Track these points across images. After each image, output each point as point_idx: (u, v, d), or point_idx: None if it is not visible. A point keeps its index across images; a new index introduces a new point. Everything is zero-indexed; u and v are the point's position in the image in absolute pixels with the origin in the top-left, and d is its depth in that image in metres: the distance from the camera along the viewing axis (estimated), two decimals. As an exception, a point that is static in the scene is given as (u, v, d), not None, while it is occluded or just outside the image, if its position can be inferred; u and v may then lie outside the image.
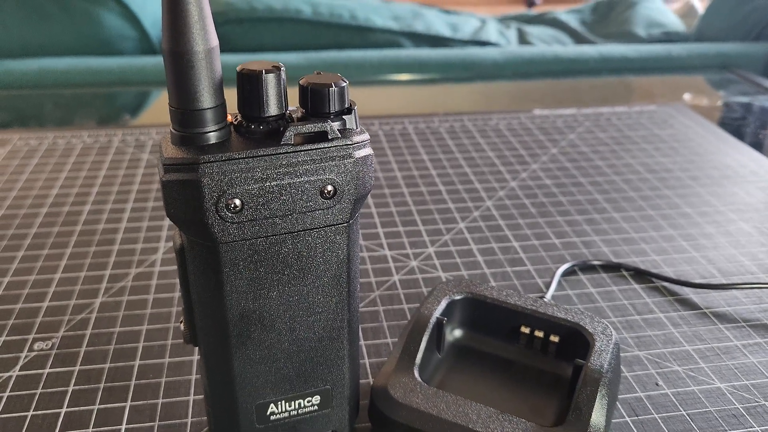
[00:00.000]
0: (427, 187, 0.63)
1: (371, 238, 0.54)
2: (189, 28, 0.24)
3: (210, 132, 0.26)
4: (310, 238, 0.28)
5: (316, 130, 0.27)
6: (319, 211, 0.28)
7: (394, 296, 0.48)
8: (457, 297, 0.41)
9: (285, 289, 0.29)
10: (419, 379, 0.36)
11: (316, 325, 0.30)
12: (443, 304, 0.40)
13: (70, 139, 0.72)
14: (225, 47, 1.04)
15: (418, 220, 0.57)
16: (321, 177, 0.27)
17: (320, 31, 1.05)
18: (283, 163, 0.26)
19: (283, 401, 0.32)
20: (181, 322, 0.31)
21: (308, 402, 0.32)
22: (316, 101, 0.27)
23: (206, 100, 0.26)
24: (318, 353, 0.31)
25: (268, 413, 0.32)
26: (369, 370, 0.41)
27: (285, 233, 0.28)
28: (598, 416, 0.34)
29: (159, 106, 0.89)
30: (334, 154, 0.27)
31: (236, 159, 0.26)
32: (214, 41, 0.25)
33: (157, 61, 0.94)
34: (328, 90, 0.27)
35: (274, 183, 0.26)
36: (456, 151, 0.70)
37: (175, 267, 0.50)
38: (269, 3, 1.04)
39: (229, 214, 0.26)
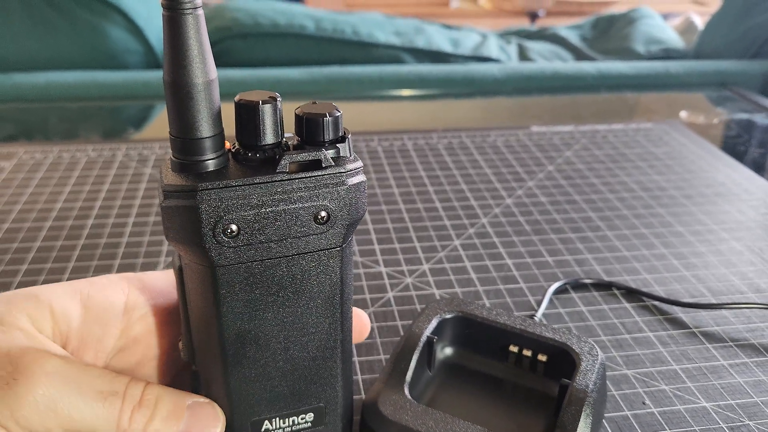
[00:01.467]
0: (423, 204, 0.64)
1: (367, 255, 0.55)
2: (189, 60, 0.25)
3: (208, 160, 0.27)
4: (304, 262, 0.29)
5: (310, 158, 0.28)
6: (313, 236, 0.29)
7: (388, 313, 0.49)
8: (448, 316, 0.42)
9: (280, 310, 0.30)
10: (409, 396, 0.37)
11: (310, 344, 0.31)
12: (434, 322, 0.41)
13: (74, 153, 0.73)
14: (230, 62, 1.06)
15: (413, 236, 0.58)
16: (315, 203, 0.28)
17: (323, 46, 1.06)
18: (278, 190, 0.27)
19: (278, 418, 0.33)
20: (179, 340, 0.32)
21: (302, 419, 0.33)
22: (311, 130, 0.28)
23: (205, 129, 0.27)
24: (312, 372, 0.32)
25: (263, 430, 0.33)
26: (362, 385, 0.42)
27: (280, 257, 0.29)
28: (582, 435, 0.35)
29: (162, 121, 0.90)
30: (328, 182, 0.28)
31: (233, 186, 0.27)
32: (213, 74, 0.26)
33: (161, 76, 0.96)
34: (323, 119, 0.28)
35: (270, 209, 0.27)
36: (453, 167, 0.71)
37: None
38: (274, 18, 1.06)
39: (226, 239, 0.27)
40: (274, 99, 0.27)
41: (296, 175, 0.28)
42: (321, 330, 0.31)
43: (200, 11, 0.25)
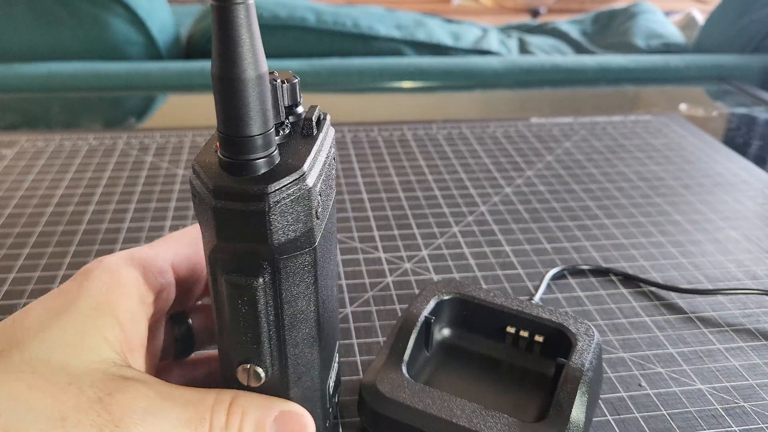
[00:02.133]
0: (423, 192, 0.64)
1: (366, 241, 0.56)
2: (239, 53, 0.24)
3: (259, 159, 0.26)
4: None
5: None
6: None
7: (387, 297, 0.49)
8: (446, 297, 0.42)
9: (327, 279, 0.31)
10: (407, 375, 0.37)
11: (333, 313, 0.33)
12: (432, 303, 0.41)
13: (76, 141, 0.74)
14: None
15: (413, 223, 0.59)
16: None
17: (324, 38, 1.06)
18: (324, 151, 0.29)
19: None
20: (238, 363, 0.29)
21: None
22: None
23: (255, 127, 0.25)
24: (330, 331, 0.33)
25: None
26: (360, 367, 0.42)
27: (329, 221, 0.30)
28: (578, 413, 0.35)
29: (163, 111, 0.91)
30: None
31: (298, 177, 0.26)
32: (264, 67, 0.25)
33: (162, 67, 0.96)
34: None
35: (324, 174, 0.28)
36: (453, 157, 0.72)
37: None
38: (274, 11, 1.06)
39: (317, 220, 0.27)
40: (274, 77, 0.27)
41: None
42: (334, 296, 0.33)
43: (251, 1, 0.23)
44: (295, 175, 0.26)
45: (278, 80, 0.27)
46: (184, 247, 0.33)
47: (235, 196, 0.25)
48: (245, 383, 0.29)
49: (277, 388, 0.30)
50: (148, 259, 0.32)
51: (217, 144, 0.26)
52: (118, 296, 0.29)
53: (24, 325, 0.27)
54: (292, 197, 0.26)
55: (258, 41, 0.24)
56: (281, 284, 0.27)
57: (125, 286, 0.30)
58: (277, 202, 0.25)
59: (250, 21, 0.23)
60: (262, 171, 0.26)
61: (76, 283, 0.29)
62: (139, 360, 0.30)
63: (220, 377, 0.31)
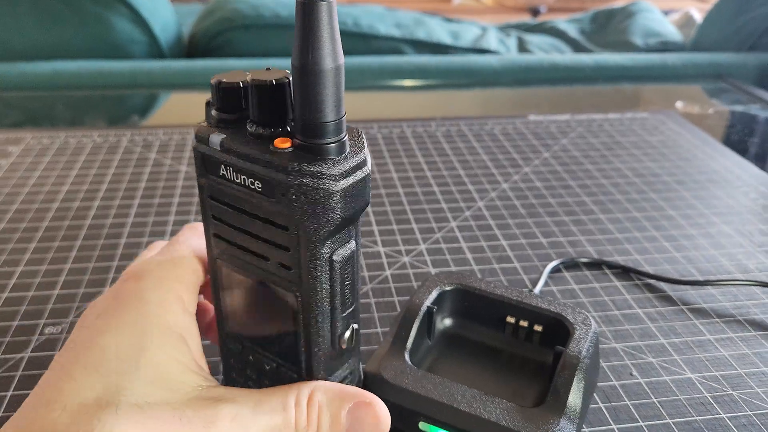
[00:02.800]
0: (421, 188, 0.65)
1: (366, 235, 0.57)
2: (320, 46, 0.26)
3: (331, 143, 0.28)
4: None
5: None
6: None
7: (386, 290, 0.50)
8: (448, 288, 0.43)
9: None
10: (409, 362, 0.38)
11: None
12: (434, 294, 0.42)
13: (80, 138, 0.75)
14: (232, 53, 1.07)
15: (411, 218, 0.60)
16: None
17: (325, 37, 1.07)
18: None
19: None
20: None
21: None
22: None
23: (330, 113, 0.27)
24: None
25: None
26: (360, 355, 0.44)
27: None
28: (574, 398, 0.36)
29: (166, 109, 0.92)
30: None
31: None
32: (341, 59, 0.27)
33: (165, 65, 0.97)
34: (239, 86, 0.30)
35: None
36: (451, 154, 0.73)
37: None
38: (275, 10, 1.07)
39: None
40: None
41: None
42: None
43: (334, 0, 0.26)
44: (364, 154, 0.29)
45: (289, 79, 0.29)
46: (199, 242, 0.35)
47: (349, 171, 0.28)
48: (350, 345, 0.33)
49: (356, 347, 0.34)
50: (187, 265, 0.34)
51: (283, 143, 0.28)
52: (177, 314, 0.31)
53: (114, 365, 0.28)
54: (364, 175, 0.29)
55: (337, 35, 0.26)
56: (358, 247, 0.31)
57: (179, 300, 0.32)
58: (364, 177, 0.29)
59: (331, 17, 0.26)
60: (333, 155, 0.28)
61: (135, 301, 0.31)
62: (204, 365, 0.32)
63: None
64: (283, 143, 0.28)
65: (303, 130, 0.28)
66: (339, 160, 0.28)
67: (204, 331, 0.37)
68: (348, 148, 0.29)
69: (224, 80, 0.29)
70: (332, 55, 0.26)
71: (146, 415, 0.27)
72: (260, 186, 0.29)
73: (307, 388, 0.31)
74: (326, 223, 0.28)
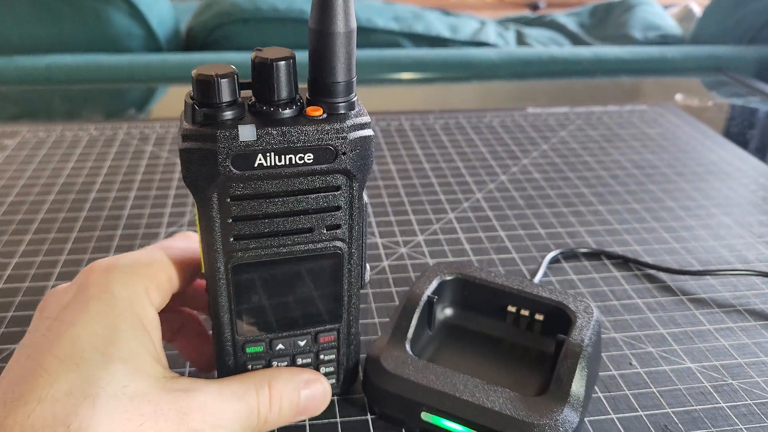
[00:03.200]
0: (419, 180, 0.65)
1: (363, 227, 0.57)
2: (334, 12, 0.28)
3: (340, 103, 0.31)
4: None
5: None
6: None
7: (383, 280, 0.50)
8: (448, 278, 0.43)
9: None
10: (410, 352, 0.38)
11: None
12: (434, 283, 0.42)
13: (77, 131, 0.74)
14: (231, 46, 1.07)
15: (409, 210, 0.59)
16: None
17: (323, 31, 1.07)
18: None
19: None
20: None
21: None
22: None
23: (341, 74, 0.30)
24: None
25: None
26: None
27: None
28: (577, 386, 0.36)
29: (163, 102, 0.92)
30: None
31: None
32: (353, 24, 0.29)
33: (162, 59, 0.97)
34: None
35: None
36: (450, 146, 0.73)
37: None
38: (273, 3, 1.07)
39: None
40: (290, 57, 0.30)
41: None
42: None
43: None
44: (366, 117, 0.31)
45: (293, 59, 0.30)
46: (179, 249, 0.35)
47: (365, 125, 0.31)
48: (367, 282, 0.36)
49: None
50: (160, 266, 0.33)
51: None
52: (144, 308, 0.31)
53: (88, 356, 0.28)
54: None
55: (351, 2, 0.29)
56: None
57: (146, 295, 0.32)
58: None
59: None
60: (350, 109, 0.31)
61: (103, 293, 0.30)
62: (165, 361, 0.32)
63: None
64: (315, 111, 0.30)
65: (327, 93, 0.30)
66: (360, 111, 0.31)
67: (170, 337, 0.38)
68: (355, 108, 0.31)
69: (220, 72, 0.29)
70: (344, 21, 0.29)
71: (124, 407, 0.27)
72: (311, 157, 0.30)
73: (265, 375, 0.33)
74: (368, 169, 0.32)
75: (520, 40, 1.20)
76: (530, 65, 1.01)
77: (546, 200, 0.62)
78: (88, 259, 0.51)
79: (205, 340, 0.38)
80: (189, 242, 0.35)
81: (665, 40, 1.18)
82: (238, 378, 0.32)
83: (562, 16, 1.33)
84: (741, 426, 0.38)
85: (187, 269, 0.34)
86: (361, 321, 0.45)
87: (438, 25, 1.12)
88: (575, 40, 1.24)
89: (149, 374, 0.29)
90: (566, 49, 1.05)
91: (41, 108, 0.89)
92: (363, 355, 0.42)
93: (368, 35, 1.07)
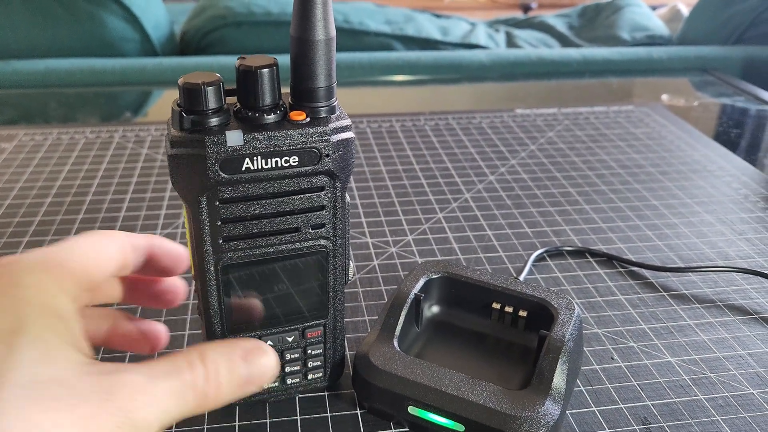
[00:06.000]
0: (409, 181, 0.66)
1: (354, 227, 0.58)
2: (314, 20, 0.30)
3: (322, 107, 0.32)
4: None
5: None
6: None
7: (373, 279, 0.51)
8: (435, 276, 0.44)
9: None
10: (398, 348, 0.39)
11: None
12: (421, 282, 0.43)
13: (73, 135, 0.76)
14: (225, 50, 1.08)
15: (399, 210, 0.61)
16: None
17: (315, 34, 1.08)
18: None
19: None
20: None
21: None
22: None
23: (321, 80, 0.32)
24: None
25: None
26: (347, 344, 0.44)
27: None
28: (559, 380, 0.37)
29: (158, 106, 0.93)
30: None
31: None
32: (333, 32, 0.31)
33: (157, 62, 0.98)
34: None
35: None
36: (439, 147, 0.74)
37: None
38: (267, 7, 1.08)
39: None
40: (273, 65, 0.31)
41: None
42: None
43: None
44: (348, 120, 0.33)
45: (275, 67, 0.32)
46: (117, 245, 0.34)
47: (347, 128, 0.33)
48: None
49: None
50: (80, 258, 0.32)
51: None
52: (55, 297, 0.29)
53: None
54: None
55: (330, 11, 0.31)
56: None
57: (58, 284, 0.30)
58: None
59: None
60: (331, 113, 0.33)
61: (8, 286, 0.29)
62: (88, 350, 0.30)
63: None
64: (298, 116, 0.32)
65: (309, 98, 0.32)
66: (341, 115, 0.33)
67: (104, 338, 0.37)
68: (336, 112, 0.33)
69: (206, 80, 0.31)
70: (324, 29, 0.30)
71: (35, 395, 0.26)
72: (296, 160, 0.32)
73: (196, 350, 0.31)
74: (350, 170, 0.34)
75: (510, 41, 1.21)
76: (519, 67, 1.02)
77: (533, 200, 0.63)
78: (85, 260, 0.53)
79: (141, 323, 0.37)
80: (98, 237, 0.34)
81: (653, 40, 1.20)
82: (169, 356, 0.30)
83: (551, 18, 1.34)
84: (718, 417, 0.39)
85: (107, 262, 0.33)
86: (350, 319, 0.47)
87: (429, 27, 1.13)
88: (564, 41, 1.25)
89: (66, 360, 0.27)
90: (555, 51, 1.06)
91: (37, 112, 0.90)
92: (352, 352, 0.43)
93: (360, 38, 1.09)
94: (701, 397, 0.41)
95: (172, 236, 0.56)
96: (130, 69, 0.97)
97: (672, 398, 0.41)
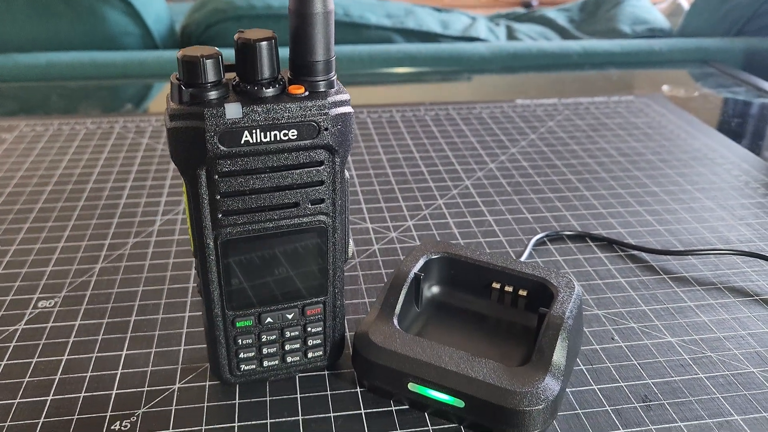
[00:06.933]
0: (410, 169, 0.66)
1: (354, 213, 0.58)
2: None
3: (320, 81, 0.32)
4: None
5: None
6: None
7: (373, 263, 0.51)
8: (434, 256, 0.44)
9: None
10: (398, 327, 0.39)
11: None
12: (421, 261, 0.43)
13: (74, 125, 0.76)
14: (225, 44, 1.08)
15: (399, 197, 0.61)
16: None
17: (316, 28, 1.08)
18: None
19: None
20: None
21: None
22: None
23: (320, 53, 0.32)
24: None
25: None
26: (347, 326, 0.45)
27: None
28: (559, 356, 0.37)
29: (160, 98, 0.93)
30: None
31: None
32: (331, 5, 0.31)
33: (157, 55, 0.98)
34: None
35: None
36: (440, 136, 0.74)
37: (170, 237, 0.54)
38: (267, 1, 1.08)
39: None
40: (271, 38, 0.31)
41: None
42: None
43: None
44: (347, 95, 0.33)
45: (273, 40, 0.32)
46: None
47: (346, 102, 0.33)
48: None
49: None
50: None
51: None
52: None
53: None
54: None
55: None
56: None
57: None
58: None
59: None
60: (329, 88, 0.33)
61: None
62: None
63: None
64: (297, 89, 0.32)
65: (308, 72, 0.32)
66: (340, 89, 0.33)
67: None
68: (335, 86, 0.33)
69: (205, 53, 0.31)
70: (322, 2, 0.31)
71: None
72: (295, 133, 0.32)
73: None
74: (349, 145, 0.33)
75: (511, 35, 1.21)
76: (520, 59, 1.02)
77: (533, 186, 0.63)
78: (85, 246, 0.53)
79: None
80: None
81: (653, 33, 1.20)
82: None
83: (551, 12, 1.34)
84: (718, 395, 0.39)
85: None
86: (350, 301, 0.47)
87: (429, 21, 1.13)
88: (565, 35, 1.25)
89: None
90: (555, 43, 1.06)
91: (38, 105, 0.90)
92: (352, 333, 0.43)
93: (360, 31, 1.09)
94: (702, 375, 0.41)
95: (172, 222, 0.56)
96: (131, 62, 0.97)
97: (672, 377, 0.40)
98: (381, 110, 0.81)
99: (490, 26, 1.20)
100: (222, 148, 0.31)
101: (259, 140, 0.31)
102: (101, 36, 1.02)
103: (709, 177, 0.65)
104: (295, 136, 0.32)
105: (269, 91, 0.32)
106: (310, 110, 0.32)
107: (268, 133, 0.31)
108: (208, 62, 0.30)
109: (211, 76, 0.31)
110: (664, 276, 0.50)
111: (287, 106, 0.31)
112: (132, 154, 0.69)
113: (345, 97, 0.33)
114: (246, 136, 0.31)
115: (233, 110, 0.31)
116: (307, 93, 0.32)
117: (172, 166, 0.66)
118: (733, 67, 1.02)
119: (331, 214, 0.35)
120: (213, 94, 0.31)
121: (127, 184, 0.62)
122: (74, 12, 1.01)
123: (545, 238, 0.54)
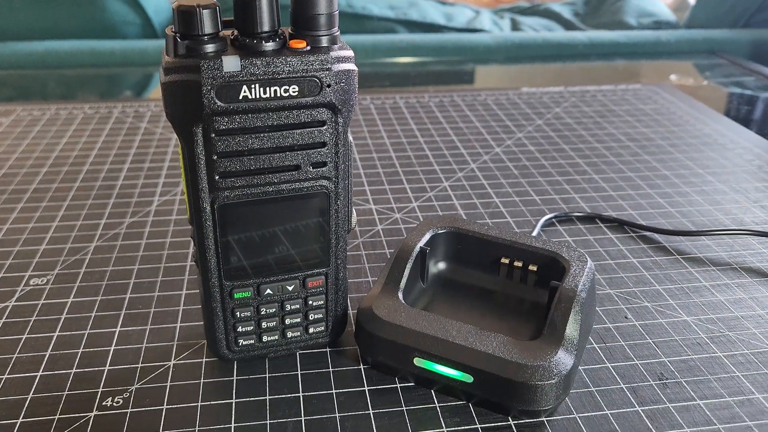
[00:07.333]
0: (414, 153, 0.65)
1: (357, 195, 0.56)
2: None
3: (324, 35, 0.31)
4: None
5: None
6: None
7: (377, 243, 0.50)
8: (441, 231, 0.42)
9: None
10: (402, 301, 0.37)
11: None
12: (427, 236, 0.42)
13: (71, 110, 0.74)
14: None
15: (403, 179, 0.59)
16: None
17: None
18: None
19: None
20: None
21: None
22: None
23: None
24: None
25: None
26: (350, 304, 0.43)
27: None
28: (572, 330, 0.35)
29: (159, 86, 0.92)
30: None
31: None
32: None
33: (158, 44, 0.97)
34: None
35: None
36: (444, 122, 0.72)
37: (168, 216, 0.53)
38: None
39: None
40: None
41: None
42: None
43: None
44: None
45: None
46: None
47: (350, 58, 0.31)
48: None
49: None
50: None
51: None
52: None
53: None
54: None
55: None
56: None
57: None
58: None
59: None
60: (332, 43, 0.31)
61: None
62: None
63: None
64: (298, 44, 0.30)
65: (310, 26, 0.30)
66: (343, 46, 0.31)
67: None
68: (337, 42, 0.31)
69: (201, 3, 0.29)
70: None
71: None
72: (296, 90, 0.30)
73: None
74: (352, 105, 0.32)
75: (515, 27, 1.20)
76: (525, 49, 1.01)
77: (540, 170, 0.61)
78: (80, 225, 0.51)
79: None
80: None
81: (659, 26, 1.19)
82: None
83: (556, 5, 1.33)
84: (738, 373, 0.37)
85: None
86: (354, 279, 0.45)
87: (433, 13, 1.12)
88: (569, 27, 1.24)
89: None
90: (561, 34, 1.05)
91: (37, 91, 0.89)
92: (355, 311, 0.42)
93: (364, 22, 1.08)
94: (720, 354, 0.39)
95: (170, 203, 0.54)
96: (130, 50, 0.96)
97: (689, 355, 0.39)
98: (384, 96, 0.80)
99: (495, 19, 1.19)
100: (219, 103, 0.29)
101: (258, 96, 0.30)
102: (101, 25, 1.01)
103: (721, 161, 0.63)
104: (296, 93, 0.30)
105: (269, 45, 0.30)
106: (312, 64, 0.30)
107: (267, 88, 0.30)
108: (205, 12, 0.29)
109: (208, 28, 0.29)
110: (678, 256, 0.49)
111: (288, 59, 0.30)
112: (130, 138, 0.67)
113: (348, 53, 0.31)
114: (244, 91, 0.30)
115: (231, 63, 0.29)
116: (308, 47, 0.30)
117: (171, 149, 0.64)
118: (740, 57, 1.00)
119: (333, 179, 0.33)
120: (210, 47, 0.29)
121: (125, 166, 0.61)
122: (74, 1, 0.99)
123: (554, 219, 0.52)
